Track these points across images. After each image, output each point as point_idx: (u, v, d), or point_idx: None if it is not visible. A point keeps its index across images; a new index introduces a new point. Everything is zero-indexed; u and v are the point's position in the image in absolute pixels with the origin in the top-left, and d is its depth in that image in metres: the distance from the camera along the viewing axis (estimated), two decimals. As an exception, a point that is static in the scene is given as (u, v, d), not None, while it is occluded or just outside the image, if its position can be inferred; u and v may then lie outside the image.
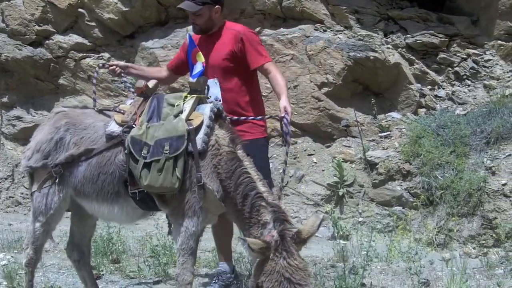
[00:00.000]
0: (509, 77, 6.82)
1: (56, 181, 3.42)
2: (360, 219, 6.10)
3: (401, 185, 6.09)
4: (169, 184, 3.11)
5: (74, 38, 7.93)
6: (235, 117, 3.82)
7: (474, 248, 5.37)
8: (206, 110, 3.33)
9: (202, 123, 3.25)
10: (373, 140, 6.74)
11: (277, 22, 7.37)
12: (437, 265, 4.71)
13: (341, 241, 5.38)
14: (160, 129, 3.23)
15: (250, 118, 3.89)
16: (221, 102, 3.74)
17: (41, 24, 7.96)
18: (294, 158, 6.97)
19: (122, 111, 3.50)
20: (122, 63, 4.22)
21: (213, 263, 4.84)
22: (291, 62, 7.10)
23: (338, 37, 7.04)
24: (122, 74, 4.11)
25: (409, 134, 6.40)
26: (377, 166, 6.27)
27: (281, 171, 6.17)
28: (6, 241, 5.56)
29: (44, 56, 8.00)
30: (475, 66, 6.92)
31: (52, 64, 8.03)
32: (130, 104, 3.55)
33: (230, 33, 3.95)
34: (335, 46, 6.96)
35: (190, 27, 4.10)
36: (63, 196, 3.46)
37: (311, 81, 7.05)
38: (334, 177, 6.40)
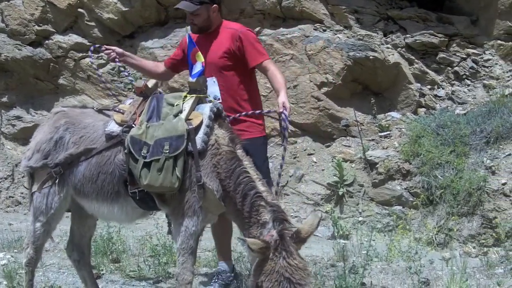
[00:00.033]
0: (508, 76, 6.83)
1: (56, 181, 3.42)
2: (360, 218, 6.10)
3: (401, 185, 6.09)
4: (169, 183, 3.11)
5: (74, 38, 7.93)
6: (234, 115, 3.81)
7: (474, 248, 5.37)
8: (205, 110, 3.33)
9: (201, 122, 3.25)
10: (373, 140, 6.74)
11: (276, 22, 7.37)
12: (437, 265, 4.71)
13: (341, 241, 5.39)
14: (159, 128, 3.23)
15: (250, 113, 3.89)
16: (220, 101, 3.74)
17: (41, 24, 7.96)
18: (294, 158, 6.97)
19: (121, 110, 3.49)
20: (119, 49, 4.22)
21: (213, 263, 4.84)
22: (291, 62, 7.10)
23: (338, 37, 7.04)
24: (117, 60, 4.13)
25: (409, 134, 6.40)
26: (377, 165, 6.27)
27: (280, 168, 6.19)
28: (6, 241, 5.56)
29: (43, 56, 8.01)
30: (475, 65, 6.92)
31: (52, 64, 8.03)
32: (130, 104, 3.54)
33: (227, 31, 3.95)
34: (335, 46, 6.96)
35: (189, 27, 4.10)
36: (63, 196, 3.46)
37: (311, 81, 7.05)
38: (334, 177, 6.41)
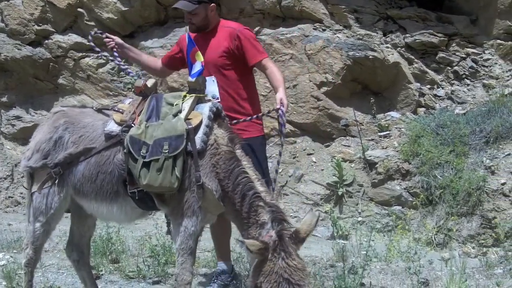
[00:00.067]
0: (508, 76, 6.83)
1: (56, 181, 3.41)
2: (360, 218, 6.10)
3: (401, 185, 6.09)
4: (168, 183, 3.11)
5: (73, 38, 7.92)
6: (234, 121, 3.79)
7: (473, 248, 5.37)
8: (205, 110, 3.33)
9: (201, 122, 3.24)
10: (372, 140, 6.74)
11: (276, 21, 7.37)
12: (436, 265, 4.71)
13: (341, 241, 5.39)
14: (159, 128, 3.23)
15: (248, 119, 3.88)
16: (219, 100, 3.74)
17: (40, 24, 7.95)
18: (293, 158, 6.97)
19: (121, 110, 3.49)
20: (119, 40, 4.22)
21: (212, 263, 4.84)
22: (290, 61, 7.10)
23: (337, 37, 7.04)
24: (114, 50, 4.13)
25: (409, 134, 6.40)
26: (377, 165, 6.27)
27: (280, 169, 6.18)
28: (6, 241, 5.55)
29: (43, 56, 8.00)
30: (474, 65, 6.92)
31: (52, 63, 8.02)
32: (129, 104, 3.54)
33: (225, 30, 3.96)
34: (334, 46, 6.96)
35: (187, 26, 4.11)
36: (63, 196, 3.45)
37: (310, 81, 7.05)
38: (334, 177, 6.40)
